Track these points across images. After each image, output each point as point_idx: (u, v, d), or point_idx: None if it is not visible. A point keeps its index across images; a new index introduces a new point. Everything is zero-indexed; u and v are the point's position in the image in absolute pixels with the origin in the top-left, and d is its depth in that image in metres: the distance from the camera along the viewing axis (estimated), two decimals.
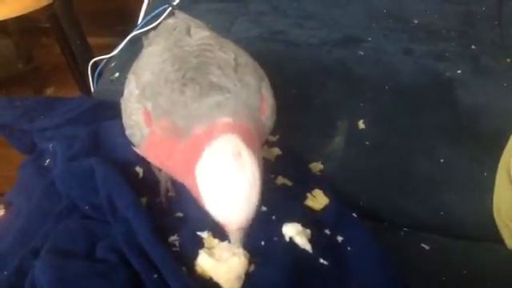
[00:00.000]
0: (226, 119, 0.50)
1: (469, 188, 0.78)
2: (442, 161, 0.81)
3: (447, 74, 0.96)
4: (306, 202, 0.68)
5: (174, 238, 0.61)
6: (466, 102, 0.90)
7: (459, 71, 0.97)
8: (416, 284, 0.61)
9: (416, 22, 1.10)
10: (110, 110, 0.77)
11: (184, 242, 0.61)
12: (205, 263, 0.58)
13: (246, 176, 0.47)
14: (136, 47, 0.83)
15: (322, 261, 0.60)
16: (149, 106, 0.57)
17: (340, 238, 0.64)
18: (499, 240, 0.73)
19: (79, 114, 0.79)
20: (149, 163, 0.66)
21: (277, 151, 0.75)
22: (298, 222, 0.62)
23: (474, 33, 1.06)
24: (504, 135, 0.80)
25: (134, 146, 0.62)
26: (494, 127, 0.84)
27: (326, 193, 0.69)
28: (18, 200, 0.74)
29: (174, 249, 0.60)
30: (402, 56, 1.01)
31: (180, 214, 0.65)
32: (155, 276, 0.55)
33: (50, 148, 0.74)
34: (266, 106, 0.59)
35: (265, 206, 0.62)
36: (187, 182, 0.53)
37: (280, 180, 0.71)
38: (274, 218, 0.63)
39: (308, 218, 0.64)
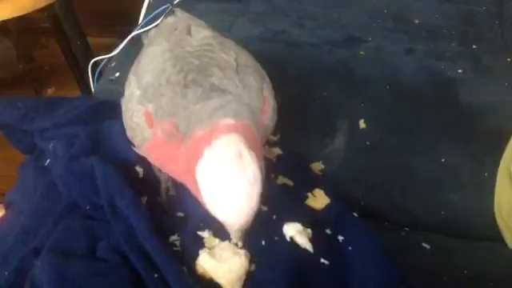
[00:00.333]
0: (228, 120, 0.50)
1: (470, 188, 0.78)
2: (442, 160, 0.81)
3: (448, 73, 0.96)
4: (306, 202, 0.68)
5: (174, 238, 0.62)
6: (466, 102, 0.90)
7: (460, 71, 0.97)
8: (417, 283, 0.61)
9: (417, 21, 1.10)
10: (111, 109, 0.77)
11: (185, 242, 0.61)
12: (206, 263, 0.58)
13: (247, 175, 0.47)
14: (136, 47, 0.83)
15: (322, 260, 0.60)
16: (150, 107, 0.57)
17: (341, 238, 0.64)
18: (500, 240, 0.73)
19: (80, 114, 0.79)
20: (149, 163, 0.66)
21: (277, 151, 0.75)
22: (299, 221, 0.62)
23: (475, 32, 1.06)
24: (505, 135, 0.80)
25: (134, 146, 0.62)
26: (495, 127, 0.84)
27: (326, 192, 0.69)
28: (19, 200, 0.74)
29: (175, 248, 0.60)
30: (402, 56, 1.01)
31: (180, 214, 0.65)
32: (156, 275, 0.55)
33: (51, 148, 0.74)
34: (267, 106, 0.59)
35: (265, 205, 0.62)
36: (188, 182, 0.53)
37: (281, 180, 0.71)
38: (274, 217, 0.63)
39: (309, 218, 0.64)
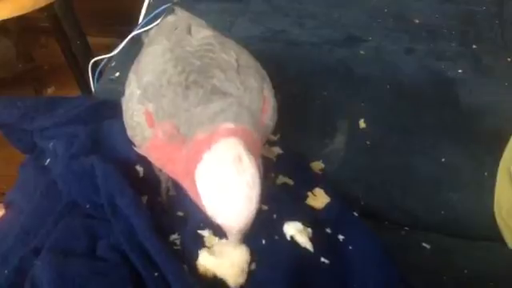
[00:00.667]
0: (228, 124, 0.51)
1: (470, 187, 0.78)
2: (442, 160, 0.81)
3: (448, 73, 0.96)
4: (306, 201, 0.68)
5: (174, 237, 0.62)
6: (466, 102, 0.90)
7: (460, 71, 0.97)
8: (416, 283, 0.61)
9: (417, 21, 1.10)
10: (111, 109, 0.77)
11: (185, 241, 0.61)
12: (206, 262, 0.58)
13: (246, 179, 0.48)
14: (136, 47, 0.83)
15: (322, 259, 0.60)
16: (150, 106, 0.57)
17: (341, 237, 0.64)
18: (500, 239, 0.73)
19: (80, 113, 0.79)
20: (149, 162, 0.66)
21: (278, 150, 0.75)
22: (299, 220, 0.62)
23: (475, 32, 1.06)
24: (505, 134, 0.80)
25: (134, 146, 0.62)
26: (495, 126, 0.84)
27: (326, 192, 0.69)
28: (19, 199, 0.74)
29: (175, 247, 0.60)
30: (402, 55, 1.01)
31: (181, 213, 0.65)
32: (156, 274, 0.55)
33: (51, 147, 0.74)
34: (267, 106, 0.59)
35: (266, 204, 0.62)
36: (187, 185, 0.53)
37: (281, 179, 0.71)
38: (274, 216, 0.63)
39: (309, 217, 0.64)
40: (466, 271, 0.67)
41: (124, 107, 0.62)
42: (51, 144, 0.75)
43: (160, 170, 0.67)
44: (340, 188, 0.72)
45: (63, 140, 0.73)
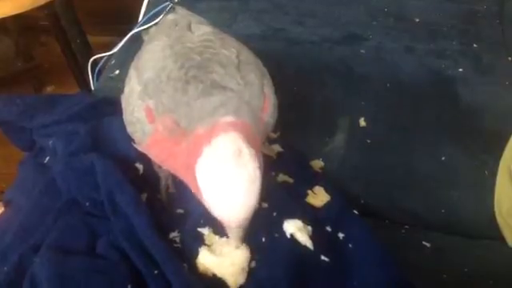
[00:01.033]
0: (228, 118, 0.50)
1: (470, 186, 0.78)
2: (443, 159, 0.81)
3: (448, 72, 0.96)
4: (306, 199, 0.68)
5: (174, 235, 0.61)
6: (467, 101, 0.90)
7: (460, 69, 0.97)
8: (417, 282, 0.61)
9: (417, 20, 1.10)
10: (110, 106, 0.77)
11: (185, 239, 0.61)
12: (206, 260, 0.58)
13: (246, 173, 0.47)
14: (136, 45, 0.83)
15: (323, 257, 0.60)
16: (151, 102, 0.56)
17: (341, 235, 0.64)
18: (500, 238, 0.73)
19: (79, 111, 0.78)
20: (149, 160, 0.65)
21: (278, 148, 0.75)
22: (299, 218, 0.62)
23: (476, 31, 1.06)
24: (505, 133, 0.80)
25: (134, 143, 0.62)
26: (496, 125, 0.84)
27: (326, 190, 0.69)
28: (18, 197, 0.74)
29: (175, 245, 0.60)
30: (403, 54, 1.01)
31: (180, 211, 0.65)
32: (156, 272, 0.55)
33: (50, 144, 0.74)
34: (268, 103, 0.59)
35: (266, 202, 0.62)
36: (187, 179, 0.53)
37: (281, 177, 0.70)
38: (274, 214, 0.63)
39: (309, 215, 0.64)
40: (466, 269, 0.67)
41: (124, 104, 0.62)
42: (51, 142, 0.75)
43: (160, 167, 0.67)
44: (340, 186, 0.72)
45: (63, 138, 0.73)
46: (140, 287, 0.55)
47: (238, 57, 0.60)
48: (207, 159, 0.48)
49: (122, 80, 0.66)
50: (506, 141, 0.80)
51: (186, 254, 0.59)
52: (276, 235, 0.61)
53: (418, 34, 1.06)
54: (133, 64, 0.65)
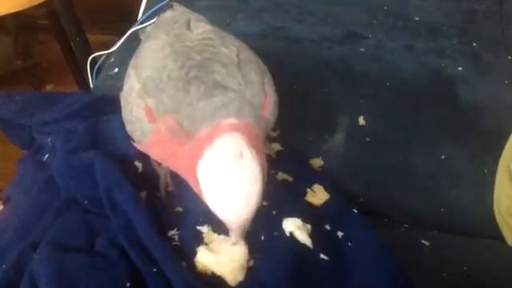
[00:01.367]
0: (230, 120, 0.50)
1: (469, 185, 0.78)
2: (442, 157, 0.81)
3: (448, 70, 0.96)
4: (306, 198, 0.68)
5: (173, 233, 0.61)
6: (466, 99, 0.90)
7: (460, 68, 0.97)
8: (416, 280, 0.61)
9: (417, 18, 1.10)
10: (110, 104, 0.77)
11: (184, 237, 0.60)
12: (204, 259, 0.57)
13: (247, 174, 0.47)
14: (135, 43, 0.83)
15: (322, 256, 0.60)
16: (150, 101, 0.56)
17: (340, 234, 0.64)
18: (499, 237, 0.73)
19: (78, 109, 0.78)
20: (148, 158, 0.65)
21: (277, 147, 0.75)
22: (299, 217, 0.62)
23: (475, 30, 1.06)
24: (505, 132, 0.80)
25: (133, 141, 0.61)
26: (495, 124, 0.84)
27: (326, 188, 0.69)
28: (17, 195, 0.74)
29: (174, 243, 0.60)
30: (402, 53, 1.01)
31: (180, 209, 0.65)
32: (155, 270, 0.55)
33: (49, 142, 0.74)
34: (268, 101, 0.59)
35: (265, 200, 0.61)
36: (190, 180, 0.53)
37: (280, 175, 0.70)
38: (274, 212, 0.63)
39: (308, 214, 0.64)
40: (465, 268, 0.67)
41: (123, 102, 0.62)
42: (50, 139, 0.75)
43: (159, 165, 0.67)
44: (339, 185, 0.72)
45: (62, 135, 0.73)
46: (139, 285, 0.55)
47: (238, 55, 0.59)
48: (208, 161, 0.48)
49: (121, 78, 0.66)
50: (506, 140, 0.80)
51: (185, 252, 0.59)
52: (275, 233, 0.61)
53: (417, 32, 1.06)
54: (131, 62, 0.65)
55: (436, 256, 0.69)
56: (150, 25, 0.99)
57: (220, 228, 0.59)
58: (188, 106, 0.53)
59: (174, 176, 0.65)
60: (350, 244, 0.63)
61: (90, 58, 1.16)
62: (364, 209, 0.71)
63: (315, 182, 0.70)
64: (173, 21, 0.67)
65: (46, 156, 0.75)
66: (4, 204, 0.76)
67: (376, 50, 1.01)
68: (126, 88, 0.62)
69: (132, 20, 1.15)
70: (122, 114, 0.62)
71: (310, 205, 0.67)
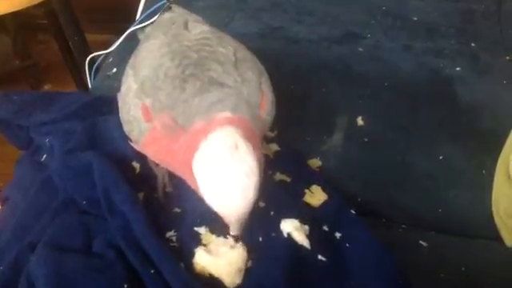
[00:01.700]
0: (225, 113, 0.51)
1: (467, 185, 0.78)
2: (440, 158, 0.81)
3: (446, 71, 0.96)
4: (304, 199, 0.68)
5: (171, 234, 0.61)
6: (465, 100, 0.90)
7: (458, 68, 0.96)
8: (414, 281, 0.61)
9: (415, 19, 1.10)
10: (108, 105, 0.77)
11: (181, 238, 0.60)
12: (203, 260, 0.57)
13: (243, 167, 0.47)
14: (133, 43, 0.83)
15: (320, 257, 0.60)
16: (147, 101, 0.56)
17: (338, 235, 0.64)
18: (498, 237, 0.73)
19: (76, 109, 0.78)
20: (146, 158, 0.65)
21: (275, 147, 0.75)
22: (296, 218, 0.62)
23: (474, 30, 1.06)
24: (503, 133, 0.80)
25: (131, 141, 0.61)
26: (493, 124, 0.84)
27: (324, 189, 0.69)
28: (15, 195, 0.74)
29: (172, 244, 0.60)
30: (401, 53, 1.01)
31: (177, 210, 0.65)
32: (152, 271, 0.55)
33: (47, 143, 0.74)
34: (265, 101, 0.59)
35: (263, 201, 0.62)
36: (186, 175, 0.53)
37: (278, 176, 0.70)
38: (272, 213, 0.63)
39: (306, 214, 0.64)
40: (463, 269, 0.67)
41: (120, 102, 0.62)
42: (48, 140, 0.75)
43: (157, 165, 0.67)
44: (337, 185, 0.72)
45: (60, 136, 0.73)
46: (136, 286, 0.55)
47: (235, 54, 0.59)
48: (204, 154, 0.48)
49: (119, 78, 0.66)
50: (504, 140, 0.79)
51: (183, 253, 0.58)
52: (273, 234, 0.61)
53: (416, 32, 1.06)
54: (130, 62, 0.65)
55: (434, 256, 0.69)
56: (148, 25, 0.99)
57: (218, 229, 0.59)
58: (184, 102, 0.53)
59: (172, 177, 0.65)
60: (348, 245, 0.63)
61: (89, 58, 1.16)
62: (362, 209, 0.71)
63: (313, 183, 0.69)
64: (171, 22, 0.67)
65: (44, 156, 0.75)
66: (2, 204, 0.76)
67: (374, 50, 1.01)
68: (123, 88, 0.62)
69: (130, 20, 1.14)
70: (120, 114, 0.62)
71: (307, 205, 0.67)
